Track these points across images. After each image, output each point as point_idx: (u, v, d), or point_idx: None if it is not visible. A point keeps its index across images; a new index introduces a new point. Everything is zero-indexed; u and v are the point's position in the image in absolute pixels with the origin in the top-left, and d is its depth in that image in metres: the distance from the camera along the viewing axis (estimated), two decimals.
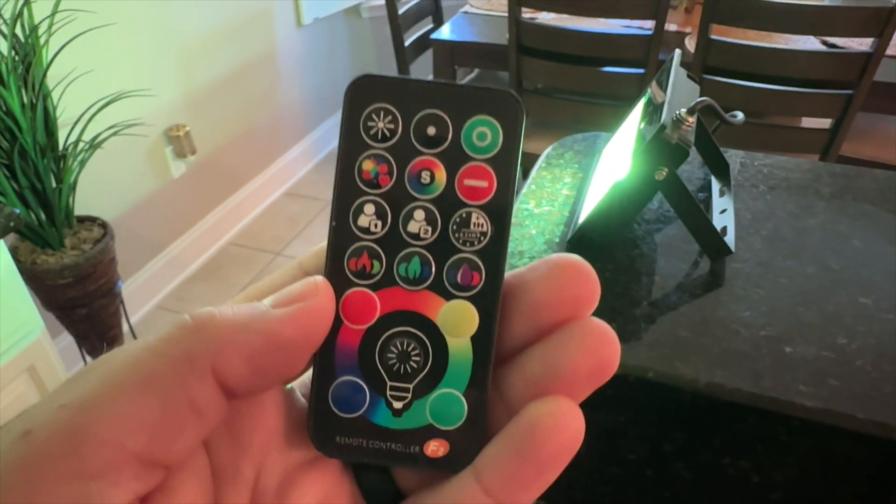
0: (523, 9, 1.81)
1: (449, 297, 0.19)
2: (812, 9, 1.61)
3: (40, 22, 1.40)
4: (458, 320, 0.19)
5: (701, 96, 0.63)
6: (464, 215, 0.19)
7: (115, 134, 1.62)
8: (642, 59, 1.77)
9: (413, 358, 0.19)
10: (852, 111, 1.65)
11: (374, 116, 0.20)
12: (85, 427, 0.15)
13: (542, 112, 2.04)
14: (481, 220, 0.19)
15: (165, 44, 2.00)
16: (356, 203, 0.20)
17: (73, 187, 1.54)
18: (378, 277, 0.20)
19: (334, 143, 3.05)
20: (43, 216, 1.47)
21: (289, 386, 0.21)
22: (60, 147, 1.50)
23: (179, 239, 2.21)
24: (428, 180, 0.19)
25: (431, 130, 0.19)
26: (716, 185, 0.75)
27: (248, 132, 2.45)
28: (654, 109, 0.65)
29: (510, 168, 0.19)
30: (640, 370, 0.55)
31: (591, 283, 0.18)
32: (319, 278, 0.19)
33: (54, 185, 1.48)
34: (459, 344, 0.19)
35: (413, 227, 0.20)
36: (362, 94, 0.20)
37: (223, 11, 2.19)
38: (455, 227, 0.19)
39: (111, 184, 1.88)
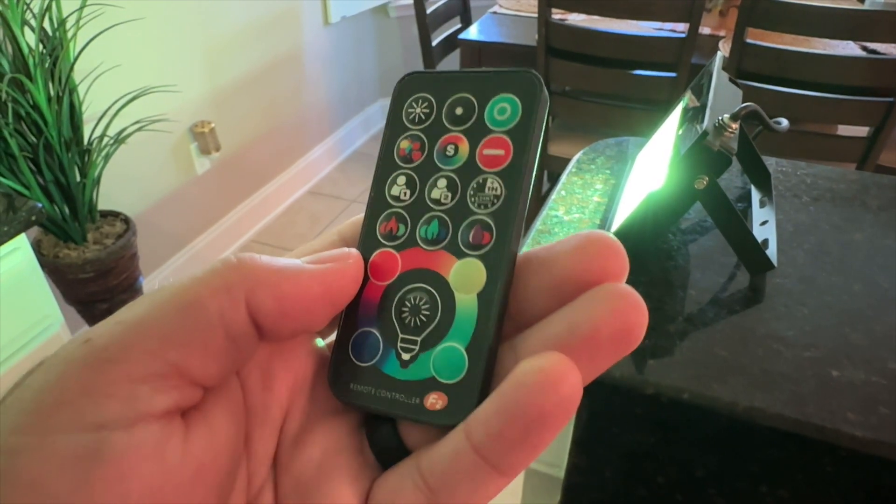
0: (553, 9, 1.78)
1: (461, 255, 0.21)
2: (851, 13, 1.56)
3: (68, 16, 1.40)
4: (467, 277, 0.20)
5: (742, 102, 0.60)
6: (480, 181, 0.21)
7: (140, 129, 1.62)
8: (674, 62, 1.73)
9: (423, 312, 0.21)
10: (892, 119, 1.59)
11: (413, 104, 0.23)
12: (135, 339, 0.17)
13: (571, 115, 2.00)
14: (496, 185, 0.21)
15: (193, 40, 1.99)
16: (391, 176, 0.22)
17: (97, 182, 1.54)
18: (403, 239, 0.22)
19: (358, 143, 3.04)
20: (66, 210, 1.47)
21: (321, 343, 0.23)
22: (85, 141, 1.50)
23: (202, 235, 2.21)
24: (453, 153, 0.22)
25: (459, 111, 0.22)
26: (756, 195, 0.71)
27: (273, 130, 2.44)
28: (694, 114, 0.61)
29: (527, 138, 0.21)
30: (673, 391, 0.51)
31: (621, 257, 0.19)
32: (353, 250, 0.21)
33: (78, 179, 1.48)
34: (466, 300, 0.20)
35: (436, 193, 0.22)
36: (407, 87, 0.23)
37: (251, 9, 2.18)
38: (472, 193, 0.21)
39: (135, 179, 1.88)
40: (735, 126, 0.57)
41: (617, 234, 0.62)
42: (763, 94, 1.66)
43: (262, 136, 2.38)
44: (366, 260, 0.22)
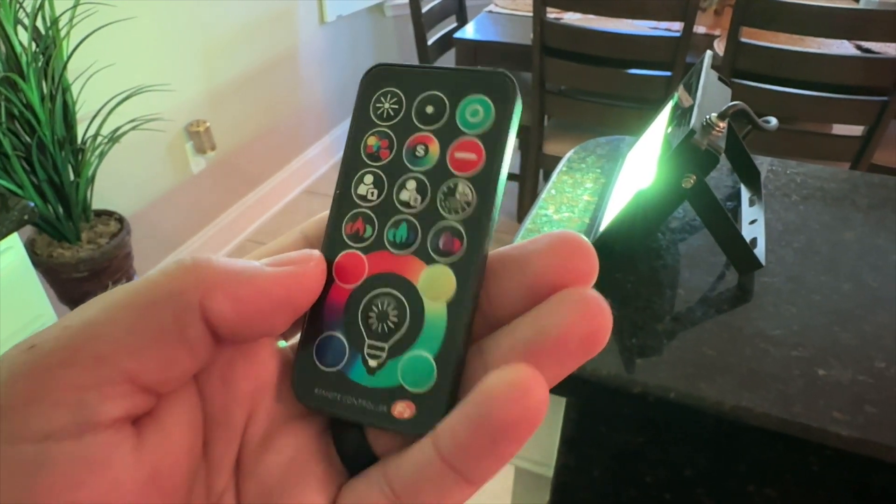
0: (548, 9, 1.78)
1: (430, 261, 0.20)
2: (846, 12, 1.56)
3: (61, 14, 1.39)
4: (436, 284, 0.20)
5: (732, 100, 0.60)
6: (451, 185, 0.20)
7: (134, 128, 1.61)
8: (669, 61, 1.73)
9: (391, 318, 0.20)
10: (886, 118, 1.60)
11: (381, 99, 0.22)
12: (83, 344, 0.17)
13: (565, 114, 2.00)
14: (467, 191, 0.20)
15: (187, 39, 1.99)
16: (358, 174, 0.22)
17: (91, 181, 1.54)
18: (369, 241, 0.21)
19: None
20: (60, 209, 1.47)
21: (284, 344, 0.22)
22: (79, 140, 1.49)
23: (197, 235, 2.21)
24: (422, 153, 0.21)
25: (430, 109, 0.21)
26: (745, 194, 0.71)
27: (269, 129, 2.44)
28: (682, 113, 0.61)
29: (500, 143, 0.20)
30: (661, 390, 0.51)
31: (591, 258, 0.19)
32: (316, 252, 0.21)
33: (72, 178, 1.48)
34: (436, 308, 0.20)
35: (405, 195, 0.21)
36: (375, 80, 0.22)
37: (246, 7, 2.18)
38: (442, 197, 0.20)
39: (130, 178, 1.88)
40: (722, 125, 0.57)
41: (605, 232, 0.62)
42: (758, 93, 1.66)
43: (257, 136, 2.38)
44: (331, 261, 0.21)
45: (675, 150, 0.56)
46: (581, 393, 0.55)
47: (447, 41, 2.28)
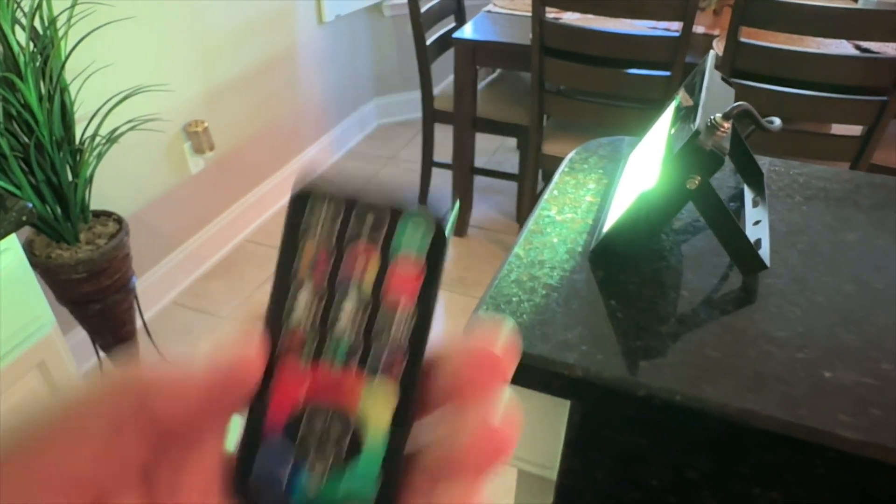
0: (547, 8, 1.78)
1: (371, 379, 0.20)
2: (845, 12, 1.56)
3: (59, 14, 1.39)
4: (377, 401, 0.20)
5: (735, 101, 0.60)
6: (390, 305, 0.21)
7: (132, 128, 1.61)
8: (668, 61, 1.73)
9: (333, 434, 0.20)
10: (886, 118, 1.59)
11: (318, 211, 0.21)
12: (28, 446, 0.18)
13: (565, 114, 2.00)
14: (406, 311, 0.20)
15: (185, 39, 1.98)
16: (293, 286, 0.21)
17: (90, 181, 1.53)
18: (307, 357, 0.21)
19: (353, 142, 3.03)
20: (58, 210, 1.46)
21: (237, 423, 0.23)
22: (77, 141, 1.49)
23: (196, 235, 2.20)
24: (361, 270, 0.21)
25: (367, 227, 0.21)
26: (749, 195, 0.71)
27: (268, 129, 2.44)
28: (686, 114, 0.61)
29: (438, 264, 0.20)
30: (665, 392, 0.51)
31: (500, 372, 0.20)
32: (256, 356, 0.21)
33: (70, 178, 1.47)
34: (377, 424, 0.20)
35: (344, 313, 0.21)
36: (309, 193, 0.21)
37: (244, 7, 2.17)
38: (381, 316, 0.21)
39: (128, 179, 1.87)
40: (727, 126, 0.57)
41: (608, 234, 0.62)
42: (757, 92, 1.65)
43: (256, 136, 2.38)
44: (270, 370, 0.21)
45: (680, 151, 0.56)
46: (585, 396, 0.55)
47: (446, 41, 2.28)
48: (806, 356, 0.53)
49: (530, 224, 0.69)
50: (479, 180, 2.72)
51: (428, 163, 2.53)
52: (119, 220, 1.61)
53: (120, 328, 1.64)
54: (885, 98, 1.57)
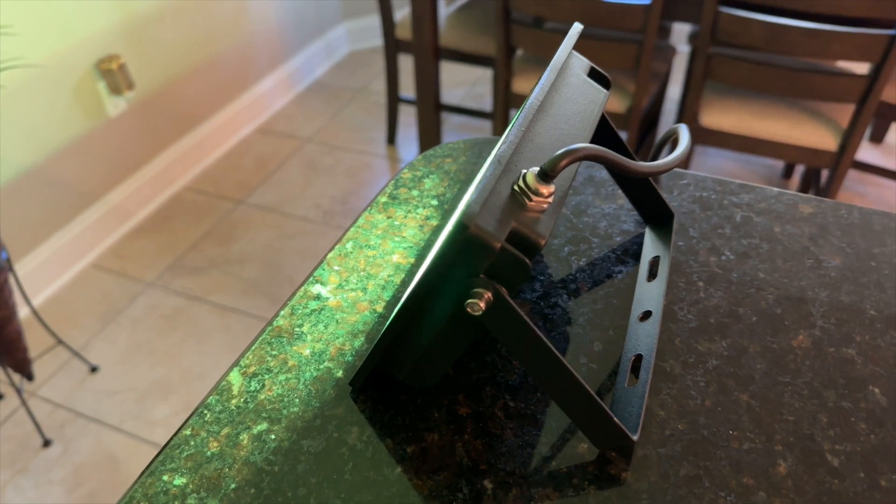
0: None
1: None
2: None
3: None
4: None
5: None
6: None
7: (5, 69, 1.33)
8: None
9: None
10: (894, 55, 1.31)
11: None
12: None
13: (535, 47, 1.67)
14: None
15: None
16: None
17: None
18: None
19: (319, 72, 2.70)
20: None
21: None
22: None
23: (120, 186, 1.96)
24: None
25: None
26: (647, 254, 0.43)
27: (209, 61, 2.13)
28: (496, 156, 0.33)
29: None
30: None
31: None
32: None
33: None
34: None
35: None
36: None
37: None
38: None
39: (23, 127, 1.61)
40: (548, 192, 0.29)
41: (365, 363, 0.36)
42: (749, 24, 1.37)
43: (194, 69, 2.08)
44: None
45: (442, 253, 0.28)
46: None
47: None
48: None
49: (266, 331, 0.43)
50: (454, 117, 2.42)
51: (394, 99, 2.22)
52: None
53: None
54: (893, 32, 1.27)
